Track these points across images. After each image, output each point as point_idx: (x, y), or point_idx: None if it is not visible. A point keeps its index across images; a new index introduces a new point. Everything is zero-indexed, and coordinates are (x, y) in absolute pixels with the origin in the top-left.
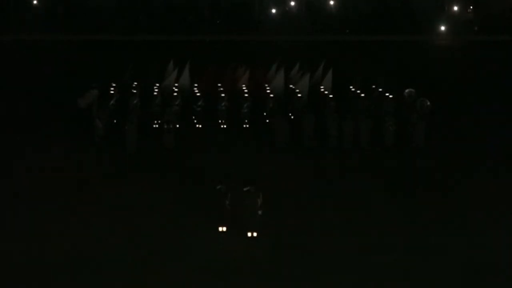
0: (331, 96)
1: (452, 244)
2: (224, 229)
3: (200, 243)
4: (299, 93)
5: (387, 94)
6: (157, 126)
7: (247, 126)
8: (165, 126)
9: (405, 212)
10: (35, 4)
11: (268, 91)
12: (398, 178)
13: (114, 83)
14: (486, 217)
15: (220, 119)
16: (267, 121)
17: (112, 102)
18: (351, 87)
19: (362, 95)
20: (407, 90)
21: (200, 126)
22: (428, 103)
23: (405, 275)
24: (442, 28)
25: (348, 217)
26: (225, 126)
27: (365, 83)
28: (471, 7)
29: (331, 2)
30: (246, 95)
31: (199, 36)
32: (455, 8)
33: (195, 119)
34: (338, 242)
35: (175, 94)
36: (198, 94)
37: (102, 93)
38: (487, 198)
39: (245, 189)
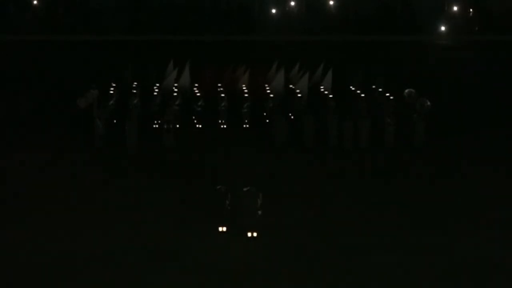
0: (331, 96)
1: (453, 244)
2: (224, 229)
3: (200, 243)
4: (299, 93)
5: (387, 94)
6: (157, 126)
7: (247, 126)
8: (165, 126)
9: (405, 212)
10: (35, 4)
11: (268, 91)
12: (398, 178)
13: (114, 83)
14: (486, 217)
15: (220, 119)
16: (267, 121)
17: (112, 102)
18: (351, 87)
19: (362, 95)
20: (407, 90)
21: (200, 126)
22: (428, 103)
23: (405, 275)
24: (442, 28)
25: (348, 217)
26: (225, 126)
27: (365, 83)
28: (471, 8)
29: (331, 2)
30: (246, 95)
31: (199, 36)
32: (455, 8)
33: (195, 119)
34: (338, 242)
35: (175, 94)
36: (198, 94)
37: (102, 93)
38: (487, 197)
39: (245, 189)
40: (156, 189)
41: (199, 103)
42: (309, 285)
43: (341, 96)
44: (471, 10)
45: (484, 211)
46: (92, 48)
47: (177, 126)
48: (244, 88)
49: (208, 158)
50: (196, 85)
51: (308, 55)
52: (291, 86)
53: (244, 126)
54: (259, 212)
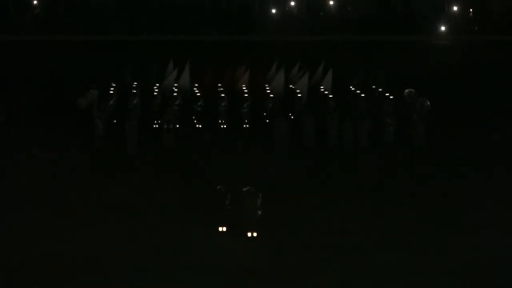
0: (331, 96)
1: (453, 244)
2: (224, 229)
3: (200, 243)
4: (299, 93)
5: (387, 94)
6: (157, 126)
7: (247, 126)
8: (165, 126)
9: (405, 212)
10: (35, 4)
11: (268, 91)
12: (398, 178)
13: (114, 83)
14: (486, 217)
15: (220, 119)
16: (267, 121)
17: (112, 102)
18: (351, 87)
19: (362, 95)
20: (407, 90)
21: (200, 126)
22: (428, 103)
23: (405, 275)
24: (442, 28)
25: (348, 217)
26: (225, 126)
27: (365, 83)
28: (471, 8)
29: (331, 2)
30: (246, 95)
31: (199, 36)
32: (455, 8)
33: (195, 119)
34: (338, 242)
35: (175, 94)
36: (198, 94)
37: (102, 93)
38: (487, 198)
39: (245, 189)
40: (156, 189)
41: (199, 103)
42: (309, 285)
43: (341, 96)
44: (471, 10)
45: (485, 210)
46: (92, 48)
47: (177, 126)
48: (244, 88)
49: (208, 158)
50: (196, 85)
51: (308, 55)
52: (291, 86)
53: (244, 126)
54: (259, 212)
